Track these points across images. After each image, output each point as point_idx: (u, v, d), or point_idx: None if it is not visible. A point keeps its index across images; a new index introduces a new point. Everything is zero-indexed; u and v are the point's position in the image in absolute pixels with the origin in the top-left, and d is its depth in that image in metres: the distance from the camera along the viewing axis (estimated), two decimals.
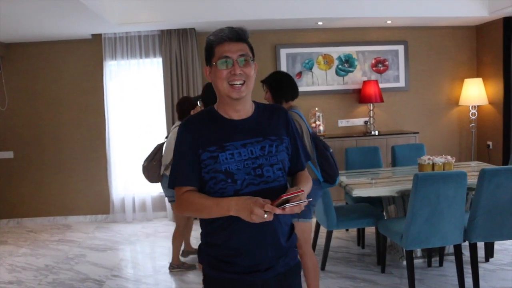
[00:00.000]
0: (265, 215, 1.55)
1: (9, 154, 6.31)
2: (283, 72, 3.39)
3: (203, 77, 6.23)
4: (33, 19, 4.95)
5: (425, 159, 4.04)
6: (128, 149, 6.25)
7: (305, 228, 3.25)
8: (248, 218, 1.58)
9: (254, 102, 1.88)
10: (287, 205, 1.55)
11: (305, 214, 3.21)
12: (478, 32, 6.63)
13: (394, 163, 5.12)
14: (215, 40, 1.78)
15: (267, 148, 1.77)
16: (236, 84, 1.73)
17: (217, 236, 1.77)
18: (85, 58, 6.25)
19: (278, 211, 1.54)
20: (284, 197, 1.55)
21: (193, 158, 1.75)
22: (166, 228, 5.95)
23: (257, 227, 1.69)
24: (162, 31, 6.07)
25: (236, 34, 1.77)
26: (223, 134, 1.77)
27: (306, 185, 1.85)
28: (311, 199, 1.72)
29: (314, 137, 3.28)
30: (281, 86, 3.29)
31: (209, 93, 3.14)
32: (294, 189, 1.61)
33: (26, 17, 4.83)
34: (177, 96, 6.10)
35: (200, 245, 1.86)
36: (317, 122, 6.30)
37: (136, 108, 6.27)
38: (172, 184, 1.81)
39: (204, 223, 1.82)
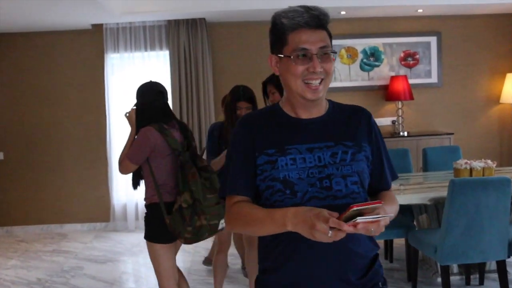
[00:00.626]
0: (329, 233, 1.32)
1: None
2: None
3: (214, 71, 6.25)
4: (26, 6, 4.95)
5: (462, 163, 3.98)
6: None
7: None
8: (309, 235, 1.37)
9: (328, 100, 1.72)
10: (359, 219, 1.31)
11: None
12: None
13: (425, 168, 5.06)
14: (289, 25, 1.55)
15: (339, 155, 1.57)
16: (313, 84, 1.54)
17: (272, 262, 1.60)
18: (84, 50, 6.28)
19: (346, 227, 1.31)
20: (355, 208, 1.30)
21: (247, 162, 1.59)
22: None
23: (320, 250, 1.50)
24: (169, 21, 6.10)
25: (317, 20, 1.55)
26: (286, 135, 1.60)
27: (391, 207, 1.60)
28: (392, 215, 1.44)
29: None
30: None
31: (140, 93, 3.09)
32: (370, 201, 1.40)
33: (18, 4, 4.83)
34: (185, 93, 6.13)
35: (257, 276, 1.69)
36: None
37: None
38: (221, 193, 1.66)
39: (260, 245, 1.66)
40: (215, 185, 2.88)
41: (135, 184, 3.06)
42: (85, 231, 6.29)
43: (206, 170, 2.91)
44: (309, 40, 1.53)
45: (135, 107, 3.05)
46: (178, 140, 2.92)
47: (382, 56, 6.46)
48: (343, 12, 6.05)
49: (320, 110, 1.64)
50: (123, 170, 2.96)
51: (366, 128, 1.67)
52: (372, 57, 6.46)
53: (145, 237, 2.97)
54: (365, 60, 6.45)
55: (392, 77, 6.27)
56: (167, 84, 6.19)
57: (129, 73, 6.21)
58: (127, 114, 3.06)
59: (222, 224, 2.88)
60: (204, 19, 6.08)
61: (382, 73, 6.47)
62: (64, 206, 6.36)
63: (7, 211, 6.36)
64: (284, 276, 1.58)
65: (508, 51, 6.60)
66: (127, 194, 6.27)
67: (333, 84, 6.31)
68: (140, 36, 6.17)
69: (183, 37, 6.09)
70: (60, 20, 5.74)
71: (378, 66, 6.46)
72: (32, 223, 6.38)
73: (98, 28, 6.17)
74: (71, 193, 6.32)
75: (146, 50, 6.20)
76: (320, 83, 1.55)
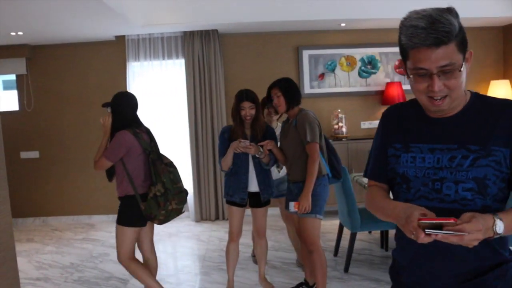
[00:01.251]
0: (413, 235, 1.29)
1: (35, 154, 6.47)
2: (289, 78, 3.53)
3: (225, 78, 6.29)
4: (58, 21, 5.05)
5: None
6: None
7: (316, 225, 3.35)
8: (404, 232, 1.35)
9: (473, 93, 1.51)
10: (439, 232, 1.25)
11: (319, 210, 3.33)
12: (505, 33, 6.55)
13: None
14: (407, 44, 1.37)
15: (457, 160, 1.43)
16: (436, 99, 1.39)
17: (400, 256, 1.60)
18: (108, 59, 6.36)
19: (423, 236, 1.26)
20: (422, 221, 1.27)
21: (382, 151, 1.58)
22: (188, 228, 6.02)
23: (441, 249, 1.43)
24: (185, 32, 6.15)
25: (435, 39, 1.31)
26: (413, 132, 1.52)
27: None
28: (466, 234, 1.26)
29: (324, 136, 3.50)
30: (293, 89, 3.43)
31: (120, 102, 3.29)
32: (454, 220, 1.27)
33: (52, 19, 4.94)
34: (199, 98, 6.16)
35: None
36: (340, 124, 6.29)
37: (158, 109, 6.34)
38: (364, 173, 1.74)
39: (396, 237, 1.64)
40: (178, 178, 3.27)
41: (111, 177, 3.39)
42: (110, 221, 6.35)
43: (170, 165, 3.27)
44: (428, 59, 1.34)
45: (110, 111, 3.30)
46: (147, 141, 3.27)
47: (379, 64, 6.48)
48: (343, 24, 6.09)
49: (455, 108, 1.47)
50: (99, 167, 3.26)
51: (510, 129, 1.42)
52: (370, 65, 6.48)
53: (118, 222, 3.29)
54: (363, 68, 6.47)
55: (388, 83, 6.30)
56: (182, 89, 6.28)
57: (149, 79, 6.27)
58: (102, 120, 3.32)
59: (184, 208, 3.33)
60: (216, 30, 6.12)
61: (379, 79, 6.49)
62: (92, 199, 6.48)
63: (43, 203, 6.51)
64: (411, 272, 1.56)
65: (492, 61, 6.60)
66: None
67: (333, 89, 6.36)
68: (158, 46, 6.23)
69: (197, 47, 6.13)
70: (88, 33, 5.82)
71: (375, 73, 6.48)
72: (65, 214, 6.56)
73: (121, 39, 6.25)
74: (98, 187, 6.40)
75: (163, 58, 6.25)
76: (444, 97, 1.39)
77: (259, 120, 3.56)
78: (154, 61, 6.26)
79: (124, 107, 3.29)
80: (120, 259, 3.34)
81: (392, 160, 1.53)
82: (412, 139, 1.51)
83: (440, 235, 1.25)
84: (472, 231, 1.24)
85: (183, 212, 3.36)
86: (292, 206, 3.33)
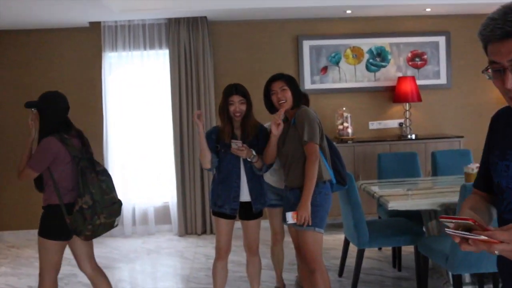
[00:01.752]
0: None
1: None
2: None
3: (215, 72, 6.24)
4: (23, 3, 4.93)
5: (473, 167, 3.95)
6: (128, 152, 6.23)
7: (317, 240, 3.30)
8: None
9: None
10: (468, 235, 1.30)
11: (320, 222, 3.28)
12: None
13: (434, 172, 5.10)
14: (480, 37, 1.42)
15: None
16: None
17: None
18: (81, 48, 6.26)
19: (457, 240, 1.32)
20: (455, 221, 1.32)
21: (484, 158, 1.64)
22: (170, 243, 5.90)
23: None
24: (169, 19, 6.10)
25: (501, 30, 1.34)
26: (510, 138, 1.53)
27: None
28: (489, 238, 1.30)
29: (326, 137, 3.53)
30: (298, 86, 3.48)
31: (47, 103, 3.26)
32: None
33: (16, 1, 4.81)
34: (185, 93, 6.12)
35: None
36: (345, 124, 6.24)
37: (138, 106, 6.27)
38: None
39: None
40: (111, 187, 3.27)
41: (39, 187, 3.30)
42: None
43: (103, 173, 3.27)
44: (497, 52, 1.37)
45: (35, 111, 3.28)
46: (77, 147, 3.24)
47: (389, 56, 6.44)
48: (348, 11, 6.05)
49: None
50: (24, 178, 3.22)
51: None
52: (379, 57, 6.44)
53: (40, 234, 3.21)
54: (371, 61, 6.43)
55: (400, 78, 6.24)
56: (166, 84, 6.22)
57: (127, 72, 6.20)
58: (31, 123, 3.29)
59: (117, 221, 3.29)
60: (205, 17, 6.06)
61: (389, 73, 6.45)
62: None
63: None
64: None
65: None
66: (124, 198, 6.14)
67: (338, 85, 6.39)
68: (139, 35, 6.15)
69: (184, 36, 6.07)
70: (57, 17, 5.71)
71: (384, 66, 6.44)
72: (23, 228, 6.26)
73: (95, 26, 6.15)
74: None
75: (145, 49, 6.17)
76: None
77: (250, 118, 3.52)
78: (134, 51, 6.19)
79: (52, 109, 3.25)
80: (40, 276, 3.29)
81: (492, 168, 1.55)
82: (509, 145, 1.49)
83: (470, 239, 1.28)
84: (507, 240, 1.25)
85: (116, 226, 3.33)
86: (290, 216, 3.25)
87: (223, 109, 3.49)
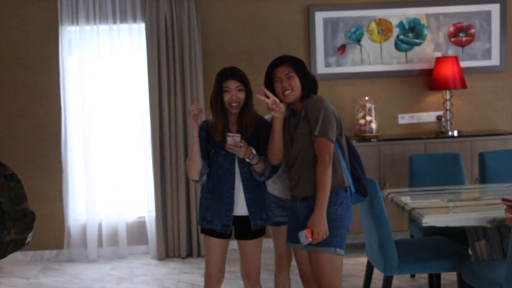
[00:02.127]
0: None
1: None
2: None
3: (204, 51, 6.27)
4: None
5: None
6: (93, 154, 6.23)
7: (336, 263, 3.34)
8: None
9: None
10: None
11: (341, 241, 3.33)
12: None
13: (483, 178, 5.10)
14: None
15: None
16: None
17: None
18: (32, 20, 6.26)
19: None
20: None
21: None
22: (147, 269, 5.93)
23: None
24: None
25: None
26: None
27: None
28: None
29: (346, 136, 3.58)
30: (308, 73, 3.53)
31: None
32: None
33: None
34: (166, 78, 6.16)
35: None
36: (368, 118, 6.22)
37: (107, 95, 6.28)
38: None
39: None
40: (21, 196, 3.11)
41: None
42: (29, 261, 6.23)
43: (12, 178, 3.13)
44: None
45: None
46: None
47: (425, 31, 6.41)
48: None
49: None
50: None
51: None
52: (412, 33, 6.42)
53: None
54: (401, 37, 6.41)
55: (438, 59, 6.21)
56: (142, 67, 6.24)
57: (92, 52, 6.20)
58: None
59: (29, 238, 3.15)
60: None
61: (425, 53, 6.43)
62: None
63: None
64: None
65: None
66: (88, 212, 6.23)
67: (360, 69, 6.51)
68: (107, 4, 6.15)
69: (164, 7, 6.09)
70: None
71: (419, 44, 6.42)
72: None
73: None
74: None
75: (114, 22, 6.17)
76: None
77: (250, 110, 3.54)
78: (101, 25, 6.20)
79: None
80: None
81: None
82: None
83: None
84: None
85: (27, 243, 3.25)
86: (304, 236, 3.25)
87: (216, 98, 3.49)
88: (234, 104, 3.45)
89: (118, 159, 6.28)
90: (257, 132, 3.53)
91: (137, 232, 6.39)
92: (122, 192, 6.29)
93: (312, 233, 3.21)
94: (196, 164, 3.47)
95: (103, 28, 6.18)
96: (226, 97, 3.44)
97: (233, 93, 3.44)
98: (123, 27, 6.22)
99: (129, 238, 6.35)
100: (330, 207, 3.26)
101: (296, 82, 3.38)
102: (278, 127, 3.39)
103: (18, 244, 3.10)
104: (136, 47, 6.28)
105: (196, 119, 3.40)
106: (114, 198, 6.27)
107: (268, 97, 3.34)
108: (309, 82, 3.47)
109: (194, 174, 3.52)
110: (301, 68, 3.44)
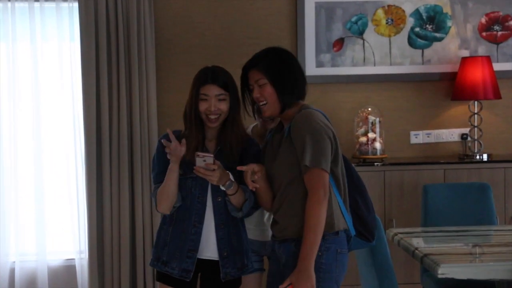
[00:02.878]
0: None
1: None
2: (282, 48, 3.57)
3: (157, 38, 6.27)
4: None
5: None
6: (3, 171, 6.12)
7: None
8: None
9: None
10: None
11: None
12: None
13: None
14: None
15: None
16: None
17: None
18: None
19: None
20: None
21: None
22: None
23: None
24: None
25: None
26: None
27: None
28: None
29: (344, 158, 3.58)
30: (290, 71, 3.45)
31: None
32: None
33: None
34: (107, 75, 6.11)
35: None
36: (371, 135, 6.15)
37: (27, 94, 6.24)
38: None
39: None
40: None
41: None
42: None
43: None
44: None
45: None
46: None
47: (448, 23, 6.37)
48: None
49: None
50: None
51: None
52: (431, 24, 6.39)
53: None
54: (417, 30, 6.39)
55: (465, 60, 6.17)
56: (75, 57, 6.20)
57: (7, 38, 6.15)
58: None
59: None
60: None
61: (447, 52, 6.41)
62: None
63: None
64: None
65: None
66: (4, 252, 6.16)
67: (362, 70, 6.66)
68: None
69: None
70: None
71: (440, 39, 6.40)
72: None
73: None
74: None
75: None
76: None
77: (236, 124, 3.56)
78: (18, 2, 6.16)
79: None
80: None
81: None
82: None
83: None
84: None
85: None
86: None
87: (190, 107, 3.52)
88: (212, 117, 3.44)
89: (38, 181, 6.18)
90: (242, 155, 3.53)
91: (63, 280, 6.33)
92: (44, 226, 6.20)
93: None
94: (170, 198, 3.44)
95: (21, 5, 6.15)
96: (203, 107, 3.44)
97: (212, 102, 3.43)
98: (49, 5, 6.17)
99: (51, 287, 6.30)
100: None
101: (268, 92, 3.37)
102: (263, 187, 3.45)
103: None
104: (66, 33, 6.19)
105: (175, 156, 3.37)
106: (33, 232, 6.20)
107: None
108: (289, 88, 3.41)
109: (165, 208, 3.49)
110: (276, 70, 3.40)
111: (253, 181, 3.38)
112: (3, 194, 6.10)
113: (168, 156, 3.40)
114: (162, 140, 3.46)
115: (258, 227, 3.93)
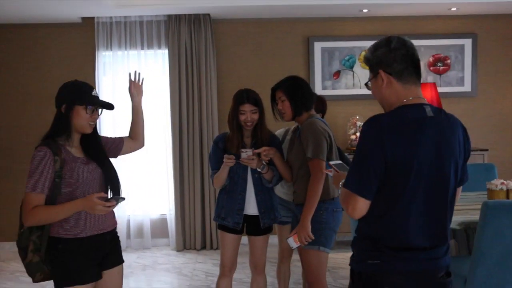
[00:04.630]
0: None
1: None
2: (298, 76, 3.58)
3: (218, 74, 6.32)
4: None
5: (497, 183, 4.01)
6: (121, 159, 6.11)
7: (321, 259, 3.39)
8: None
9: None
10: None
11: (325, 241, 3.36)
12: None
13: None
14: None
15: None
16: None
17: None
18: (73, 46, 6.35)
19: None
20: None
21: None
22: (167, 259, 6.01)
23: None
24: (169, 16, 6.18)
25: None
26: None
27: None
28: None
29: (338, 148, 3.55)
30: (302, 92, 3.46)
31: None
32: None
33: None
34: (186, 97, 6.18)
35: None
36: (358, 134, 6.23)
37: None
38: None
39: None
40: None
41: None
42: None
43: None
44: None
45: None
46: None
47: None
48: (365, 10, 6.11)
49: None
50: None
51: None
52: None
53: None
54: None
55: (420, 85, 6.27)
56: (165, 86, 6.25)
57: (123, 73, 6.16)
58: None
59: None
60: (208, 15, 6.15)
61: None
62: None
63: None
64: None
65: None
66: (119, 210, 6.11)
67: (352, 92, 6.49)
68: (136, 32, 6.24)
69: (185, 34, 6.16)
70: (48, 12, 5.76)
71: None
72: (8, 240, 6.35)
73: (88, 22, 6.23)
74: None
75: (142, 48, 6.26)
76: None
77: (263, 127, 3.61)
78: (131, 51, 6.29)
79: None
80: None
81: None
82: None
83: None
84: None
85: None
86: (292, 241, 3.33)
87: (233, 117, 3.56)
88: (248, 123, 3.52)
89: (144, 164, 6.33)
90: (267, 145, 3.55)
91: (159, 227, 6.50)
92: (147, 193, 6.38)
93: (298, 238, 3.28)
94: (222, 182, 3.55)
95: (132, 53, 6.26)
96: (242, 118, 3.50)
97: (248, 115, 3.50)
98: (150, 52, 6.31)
99: (152, 232, 6.45)
100: (317, 212, 3.30)
101: (286, 106, 3.44)
102: (276, 162, 3.52)
103: None
104: (160, 70, 6.35)
105: (229, 164, 3.45)
106: (140, 197, 6.35)
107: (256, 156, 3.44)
108: (299, 102, 3.43)
109: (218, 186, 3.63)
110: (292, 91, 3.44)
111: (265, 156, 3.45)
112: (124, 174, 5.93)
113: (227, 164, 3.45)
114: (225, 155, 3.46)
115: (289, 194, 3.86)
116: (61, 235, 2.66)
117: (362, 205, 2.09)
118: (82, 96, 2.73)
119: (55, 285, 2.71)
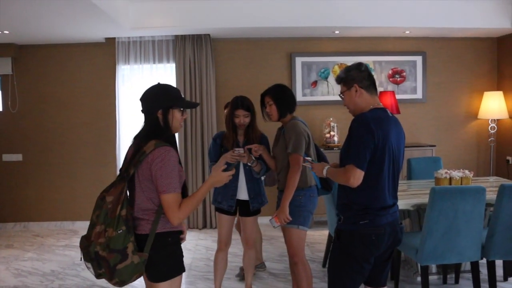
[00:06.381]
0: None
1: (18, 157, 6.37)
2: (283, 84, 3.49)
3: (217, 84, 6.27)
4: (46, 21, 5.01)
5: (442, 173, 4.02)
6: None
7: (300, 236, 3.34)
8: None
9: None
10: None
11: (303, 221, 3.30)
12: (499, 44, 6.60)
13: (409, 176, 5.08)
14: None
15: None
16: None
17: None
18: (97, 61, 6.32)
19: None
20: None
21: None
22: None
23: None
24: (176, 36, 6.14)
25: None
26: None
27: None
28: None
29: (315, 145, 3.50)
30: (287, 97, 3.39)
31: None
32: None
33: (39, 19, 4.90)
34: (189, 99, 6.09)
35: None
36: (332, 133, 6.26)
37: None
38: None
39: None
40: None
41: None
42: None
43: None
44: None
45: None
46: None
47: (372, 73, 6.31)
48: (337, 32, 6.10)
49: None
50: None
51: None
52: None
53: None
54: None
55: (381, 93, 6.19)
56: None
57: (138, 83, 6.19)
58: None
59: None
60: (208, 35, 6.12)
61: None
62: (76, 205, 6.38)
63: (24, 208, 6.40)
64: None
65: (486, 71, 6.65)
66: None
67: (326, 98, 6.39)
68: (149, 50, 6.21)
69: (189, 51, 6.12)
70: (77, 34, 5.77)
71: None
72: (47, 220, 6.45)
73: (111, 42, 6.22)
74: (83, 193, 6.33)
75: (154, 62, 6.22)
76: None
77: (254, 127, 3.56)
78: (144, 64, 6.23)
79: None
80: None
81: None
82: None
83: None
84: None
85: None
86: (274, 221, 3.27)
87: (229, 119, 3.52)
88: (241, 125, 3.50)
89: None
90: (258, 143, 3.51)
91: None
92: None
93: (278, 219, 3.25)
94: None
95: (146, 66, 6.22)
96: (236, 121, 3.48)
97: (241, 118, 3.47)
98: (160, 66, 6.25)
99: None
100: (296, 197, 3.25)
101: (273, 109, 3.34)
102: (265, 157, 3.46)
103: None
104: (169, 80, 6.21)
105: (233, 159, 3.30)
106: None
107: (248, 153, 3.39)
108: (286, 106, 3.35)
109: None
110: (278, 96, 3.34)
111: (256, 152, 3.38)
112: None
113: (229, 160, 3.28)
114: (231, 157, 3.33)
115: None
116: (169, 229, 2.35)
117: (360, 175, 2.42)
118: (179, 100, 2.41)
119: (159, 278, 2.34)
